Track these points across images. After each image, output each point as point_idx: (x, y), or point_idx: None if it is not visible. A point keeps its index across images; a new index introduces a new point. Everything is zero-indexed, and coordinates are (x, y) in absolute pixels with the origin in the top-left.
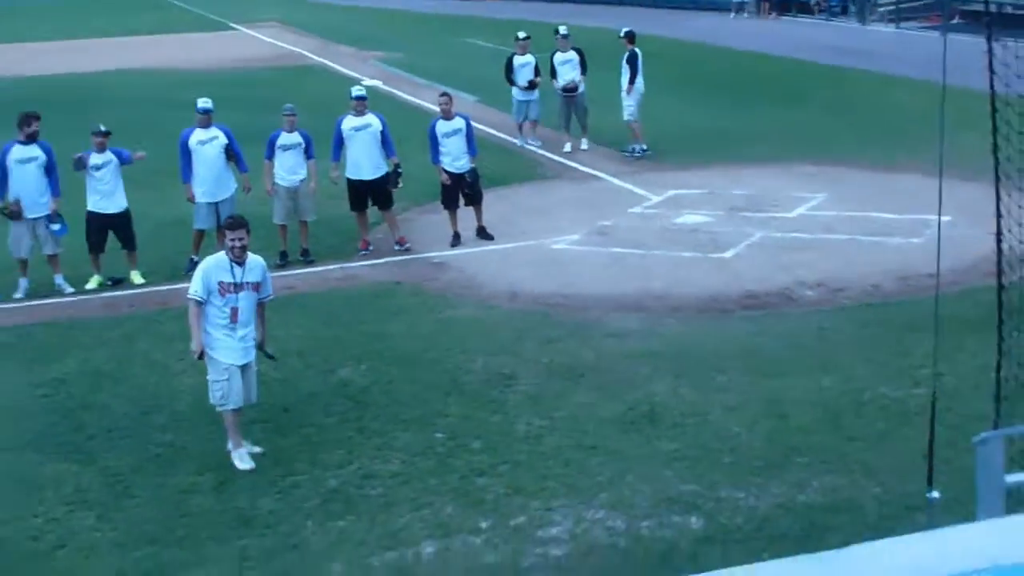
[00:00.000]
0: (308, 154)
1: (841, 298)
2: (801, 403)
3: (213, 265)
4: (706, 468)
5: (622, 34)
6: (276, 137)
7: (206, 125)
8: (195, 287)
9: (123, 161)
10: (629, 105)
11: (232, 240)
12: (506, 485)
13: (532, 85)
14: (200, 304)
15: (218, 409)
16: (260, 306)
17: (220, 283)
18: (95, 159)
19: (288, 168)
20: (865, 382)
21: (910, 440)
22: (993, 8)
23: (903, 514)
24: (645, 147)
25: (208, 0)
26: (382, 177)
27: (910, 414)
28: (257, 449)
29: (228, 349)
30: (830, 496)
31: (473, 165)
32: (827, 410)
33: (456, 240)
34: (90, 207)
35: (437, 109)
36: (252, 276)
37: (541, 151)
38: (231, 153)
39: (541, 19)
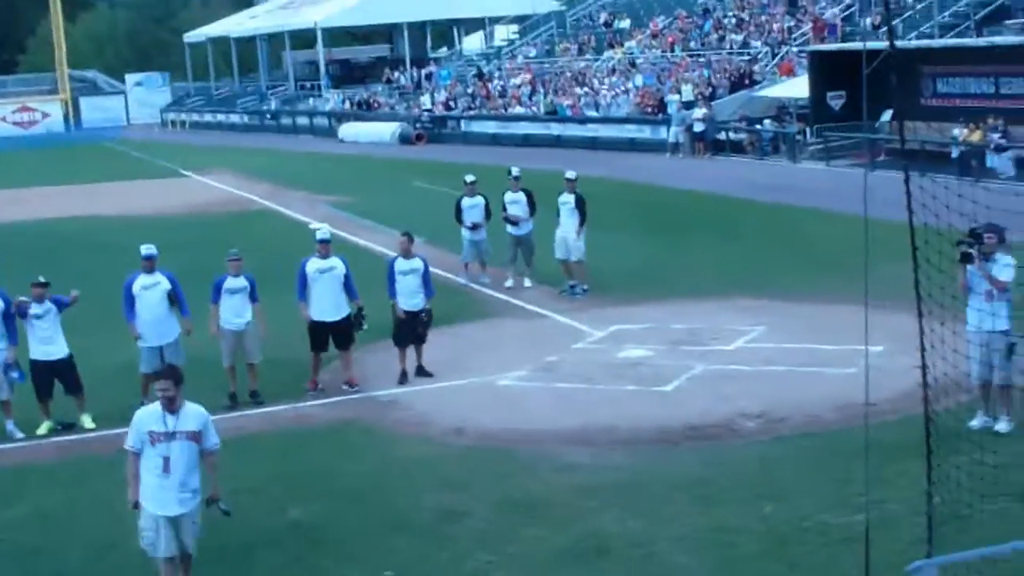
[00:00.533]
0: (253, 297)
1: (782, 428)
2: (746, 532)
3: (146, 415)
4: None
5: (573, 177)
6: (222, 282)
7: (150, 271)
8: (129, 438)
9: (61, 306)
10: (580, 247)
11: (160, 391)
12: None
13: (475, 227)
14: (137, 455)
15: (149, 555)
16: (208, 458)
17: (150, 432)
18: (35, 309)
19: (234, 311)
20: (807, 510)
21: (851, 567)
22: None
23: None
24: (586, 287)
25: (159, 149)
26: (344, 319)
27: (852, 540)
28: None
29: (159, 499)
30: None
31: (427, 306)
32: (771, 538)
33: (404, 378)
34: (32, 355)
35: (385, 251)
36: (187, 425)
37: (487, 289)
38: (174, 298)
39: (486, 162)
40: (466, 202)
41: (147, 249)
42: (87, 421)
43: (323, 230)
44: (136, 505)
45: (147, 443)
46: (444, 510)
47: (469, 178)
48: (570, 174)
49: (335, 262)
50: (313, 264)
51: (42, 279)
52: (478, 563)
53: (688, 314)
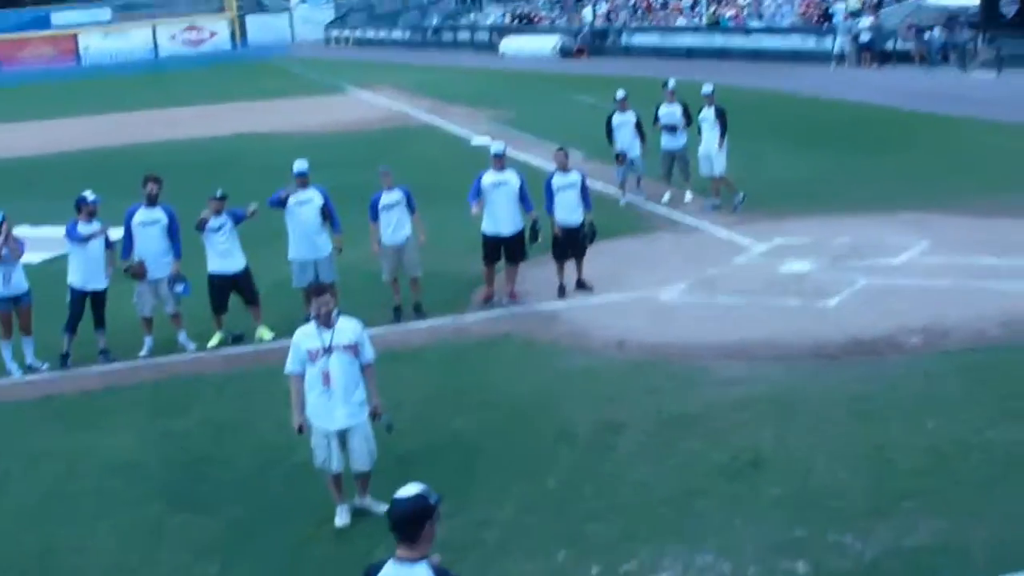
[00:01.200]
0: (410, 208)
1: (946, 343)
2: (907, 448)
3: (301, 335)
4: (813, 514)
5: (711, 91)
6: (378, 198)
7: (304, 186)
8: (289, 362)
9: (238, 220)
10: (722, 161)
11: (318, 306)
12: (617, 531)
13: (620, 159)
14: (297, 377)
15: (321, 470)
16: (367, 371)
17: (309, 350)
18: (213, 222)
19: (393, 225)
20: (972, 426)
21: (1017, 485)
22: None
23: (1011, 559)
24: (743, 194)
25: (324, 66)
26: (518, 232)
27: (1018, 458)
28: (382, 507)
29: (325, 415)
30: (937, 540)
31: (588, 219)
32: (933, 454)
33: (562, 292)
34: (210, 269)
35: (545, 165)
36: (342, 339)
37: (646, 204)
38: (327, 213)
39: (647, 75)
40: (617, 119)
41: (299, 166)
42: (265, 333)
43: (498, 144)
44: (301, 429)
45: (307, 361)
46: (604, 423)
47: (619, 94)
48: (707, 88)
49: (510, 175)
50: (488, 177)
51: (220, 193)
52: (640, 474)
53: (852, 228)
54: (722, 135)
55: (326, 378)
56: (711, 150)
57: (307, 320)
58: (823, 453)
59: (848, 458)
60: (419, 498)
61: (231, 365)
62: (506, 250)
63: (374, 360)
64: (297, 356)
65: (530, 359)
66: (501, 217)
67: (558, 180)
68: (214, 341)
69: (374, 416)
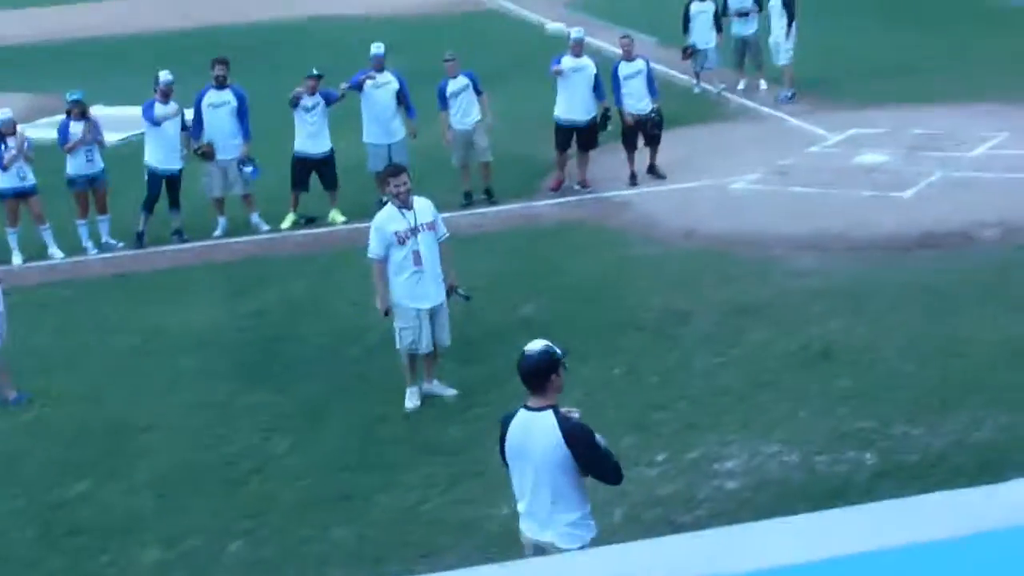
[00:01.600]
0: (477, 91)
1: (1021, 238)
2: (978, 341)
3: (384, 218)
4: (881, 405)
5: None
6: (444, 86)
7: (380, 70)
8: (373, 247)
9: (330, 101)
10: (788, 49)
11: (396, 186)
12: (682, 420)
13: (688, 53)
14: (381, 262)
15: (406, 352)
16: (444, 247)
17: (396, 233)
18: (306, 101)
19: (462, 111)
20: None
21: None
22: None
23: None
24: (794, 91)
25: None
26: (591, 119)
27: None
28: (451, 391)
29: (417, 294)
30: (1006, 434)
31: (655, 106)
32: (1005, 348)
33: (633, 180)
34: (297, 148)
35: (619, 51)
36: (424, 217)
37: (719, 93)
38: (402, 98)
39: None
40: (695, 7)
41: (376, 48)
42: (338, 216)
43: (578, 30)
44: (387, 312)
45: (394, 244)
46: (672, 310)
47: None
48: None
49: (587, 62)
50: (566, 62)
51: (316, 71)
52: (706, 363)
53: (928, 118)
54: (789, 23)
55: (418, 257)
56: (779, 38)
57: (381, 204)
58: (893, 345)
59: (918, 351)
60: (546, 352)
61: (304, 247)
62: (579, 137)
63: (448, 236)
64: (382, 239)
65: (599, 246)
66: (576, 104)
67: (624, 68)
68: (287, 222)
69: (450, 290)
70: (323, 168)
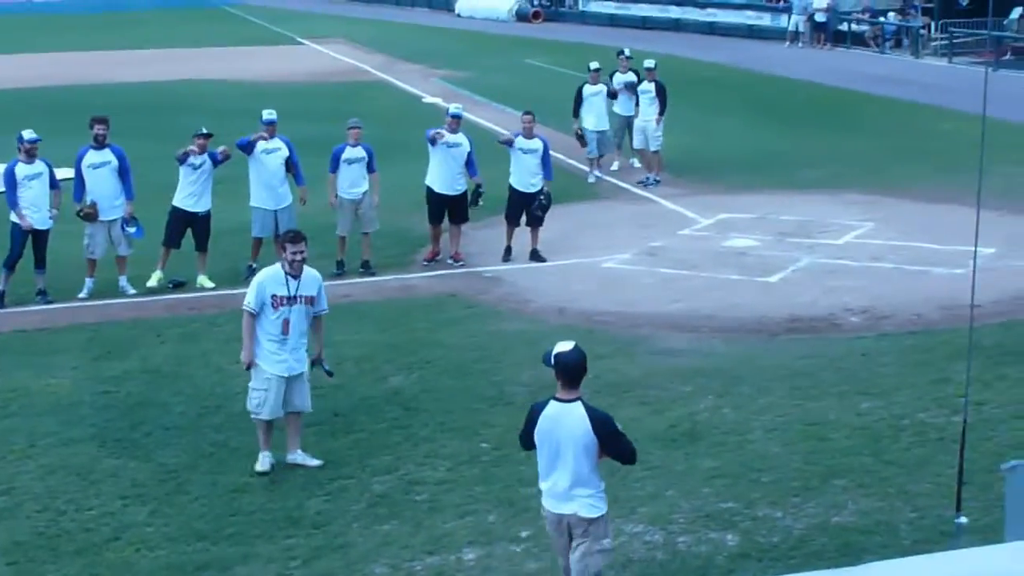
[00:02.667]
0: (371, 168)
1: (885, 325)
2: (841, 426)
3: (269, 278)
4: (745, 487)
5: (653, 65)
6: (340, 151)
7: (271, 136)
8: (249, 299)
9: (216, 162)
10: (658, 136)
11: (293, 254)
12: None
13: (580, 140)
14: (253, 315)
15: (252, 416)
16: (316, 321)
17: (274, 296)
18: (195, 159)
19: (351, 181)
20: (905, 408)
21: (946, 466)
22: None
23: (937, 538)
24: (659, 178)
25: (277, 16)
26: (463, 194)
27: (947, 441)
28: (315, 462)
29: (275, 361)
30: (866, 518)
31: (546, 188)
32: (866, 434)
33: (508, 255)
34: (177, 203)
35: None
36: (307, 290)
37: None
38: (291, 165)
39: (603, 43)
40: (588, 90)
41: (268, 115)
42: (206, 282)
43: (456, 106)
44: (250, 366)
45: (268, 306)
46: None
47: (593, 65)
48: (649, 63)
49: (462, 139)
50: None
51: (205, 130)
52: None
53: (797, 206)
54: (661, 111)
55: (286, 326)
56: (648, 124)
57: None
58: (759, 427)
59: (782, 433)
60: (579, 350)
61: (171, 311)
62: (450, 211)
63: (326, 311)
64: (260, 296)
65: (471, 320)
66: (449, 178)
67: (521, 143)
68: (154, 280)
69: (315, 362)
70: (199, 227)
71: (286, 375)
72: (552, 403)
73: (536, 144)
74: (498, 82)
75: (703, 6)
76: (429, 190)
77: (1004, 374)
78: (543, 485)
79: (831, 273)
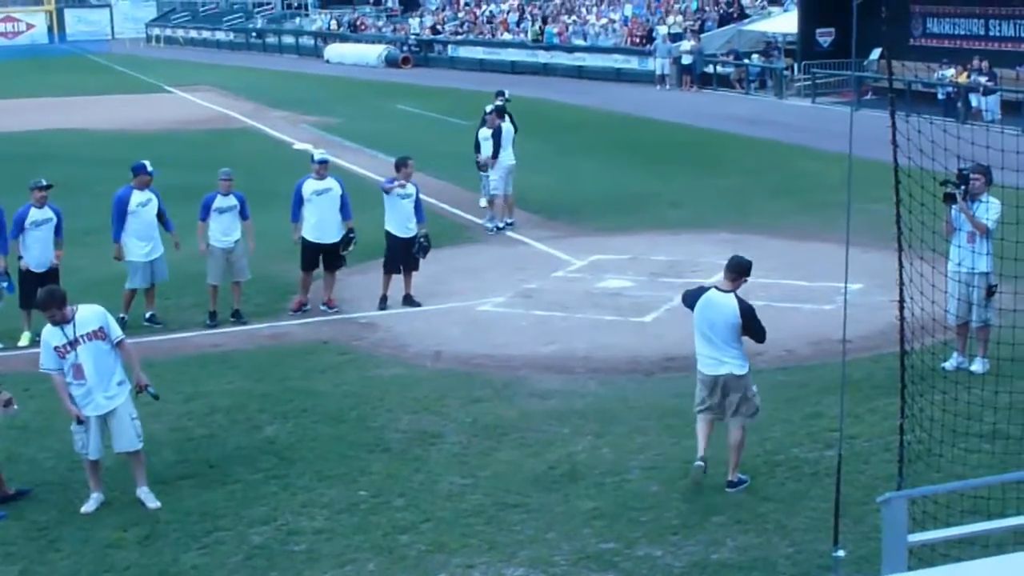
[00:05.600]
0: (244, 215)
1: (757, 362)
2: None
3: (48, 333)
4: (624, 526)
5: (493, 109)
6: (211, 200)
7: (144, 187)
8: (41, 360)
9: (60, 217)
10: (493, 179)
11: (49, 316)
12: (428, 542)
13: (481, 166)
14: (55, 373)
15: (81, 458)
16: (123, 349)
17: (56, 348)
18: (36, 214)
19: (223, 230)
20: (779, 444)
21: (822, 500)
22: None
23: (815, 572)
24: (511, 221)
25: (143, 64)
26: (338, 240)
27: (822, 475)
28: (155, 503)
29: (85, 404)
30: (744, 555)
31: (423, 231)
32: (742, 471)
33: (384, 303)
34: (25, 263)
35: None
36: (86, 327)
37: (468, 215)
38: (160, 214)
39: (472, 87)
40: (483, 133)
41: (145, 166)
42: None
43: (320, 151)
44: (80, 419)
45: (57, 358)
46: (418, 432)
47: (489, 108)
48: (488, 107)
49: (332, 183)
50: (310, 185)
51: (44, 181)
52: (452, 485)
53: (668, 245)
54: (494, 154)
55: (79, 371)
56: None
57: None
58: (637, 467)
59: (661, 471)
60: (749, 261)
61: (35, 364)
62: (324, 258)
63: (123, 338)
64: (47, 354)
65: (346, 366)
66: (322, 226)
67: (399, 189)
68: (24, 340)
69: (139, 390)
70: (47, 282)
71: (96, 414)
72: (713, 291)
73: (411, 189)
74: (369, 128)
75: (571, 51)
76: (304, 238)
77: (874, 407)
78: (699, 352)
79: None
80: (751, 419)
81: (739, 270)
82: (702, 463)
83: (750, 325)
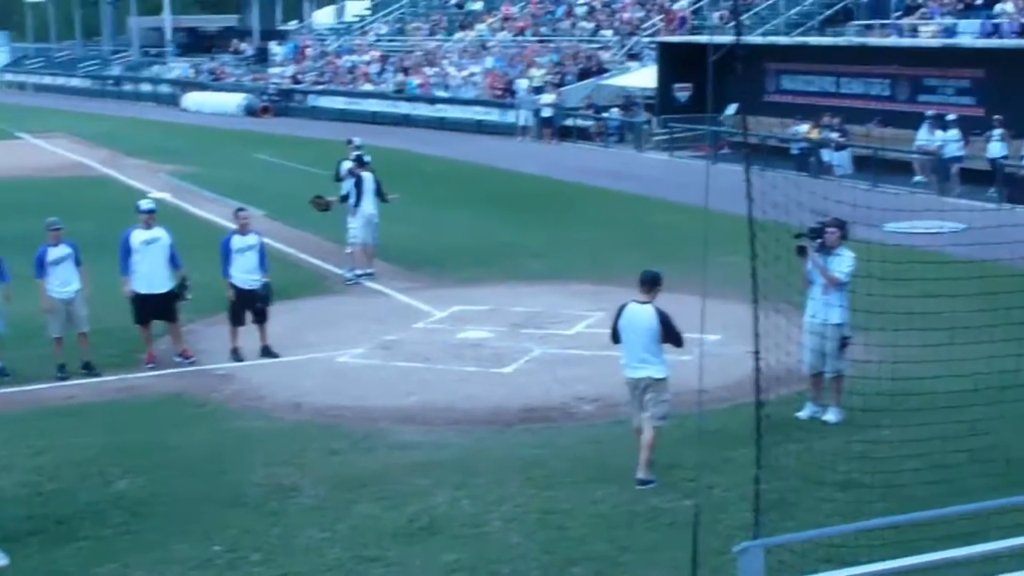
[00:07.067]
0: (78, 261)
1: (617, 412)
2: (577, 514)
3: None
4: None
5: (355, 159)
6: (44, 253)
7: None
8: None
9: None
10: (353, 227)
11: None
12: None
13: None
14: None
15: None
16: None
17: None
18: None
19: (62, 280)
20: (637, 494)
21: (680, 550)
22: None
23: None
24: (371, 271)
25: None
26: (171, 291)
27: (680, 525)
28: (4, 561)
29: None
30: None
31: (266, 281)
32: (601, 521)
33: (236, 355)
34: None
35: (225, 223)
36: None
37: (327, 265)
38: None
39: (332, 137)
40: (346, 185)
41: None
42: None
43: (147, 200)
44: None
45: None
46: (276, 485)
47: (348, 162)
48: (366, 157)
49: (160, 233)
50: (138, 236)
51: (56, 222)
52: (310, 540)
53: (529, 297)
54: (356, 203)
55: None
56: (374, 217)
57: None
58: (497, 518)
59: (521, 523)
60: (658, 272)
61: None
62: (159, 310)
63: None
64: None
65: (202, 419)
66: (153, 276)
67: (237, 242)
68: None
69: None
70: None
71: None
72: (632, 303)
73: (252, 240)
74: (227, 177)
75: (432, 102)
76: (134, 291)
77: (730, 457)
78: (623, 360)
79: (564, 363)
80: (661, 421)
81: (653, 282)
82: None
83: (668, 331)
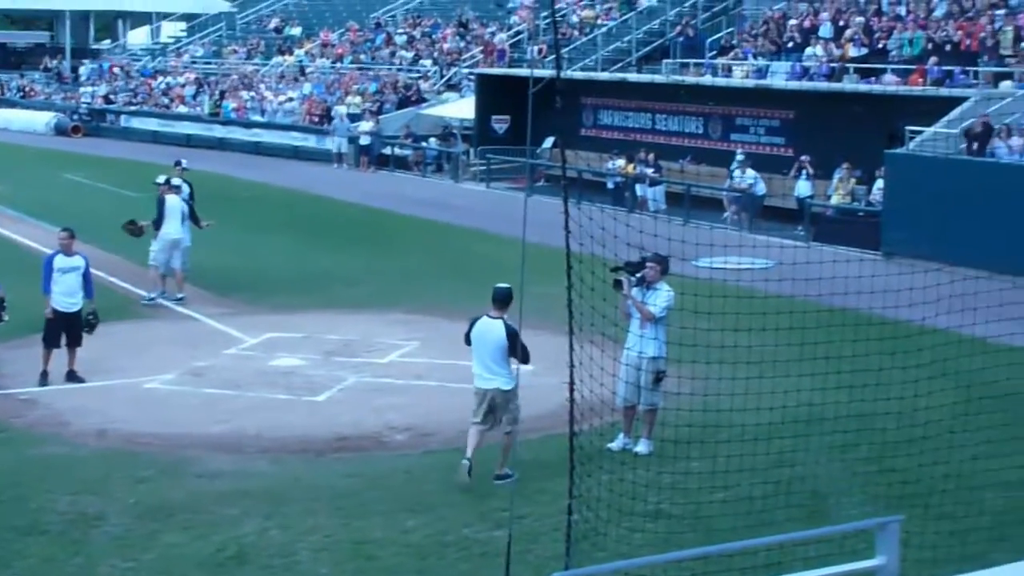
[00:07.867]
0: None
1: (430, 442)
2: (387, 544)
3: None
4: None
5: (164, 180)
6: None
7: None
8: None
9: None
10: (153, 250)
11: None
12: None
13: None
14: None
15: None
16: None
17: None
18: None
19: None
20: (449, 524)
21: None
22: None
23: None
24: (180, 296)
25: None
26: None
27: (492, 555)
28: None
29: None
30: None
31: (94, 308)
32: (412, 551)
33: (45, 379)
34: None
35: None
36: None
37: (135, 289)
38: None
39: (145, 158)
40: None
41: None
42: None
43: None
44: None
45: None
46: (79, 514)
47: (161, 178)
48: (176, 180)
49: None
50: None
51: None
52: (112, 570)
53: (343, 325)
54: (156, 225)
55: None
56: (184, 241)
57: None
58: (306, 548)
59: (331, 553)
60: (510, 289)
61: None
62: None
63: None
64: None
65: (3, 445)
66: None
67: (60, 262)
68: None
69: None
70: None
71: None
72: (484, 318)
73: (77, 261)
74: (34, 196)
75: (248, 126)
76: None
77: (543, 487)
78: (475, 370)
79: (377, 391)
80: (515, 424)
81: (505, 299)
82: (467, 462)
83: (514, 346)
